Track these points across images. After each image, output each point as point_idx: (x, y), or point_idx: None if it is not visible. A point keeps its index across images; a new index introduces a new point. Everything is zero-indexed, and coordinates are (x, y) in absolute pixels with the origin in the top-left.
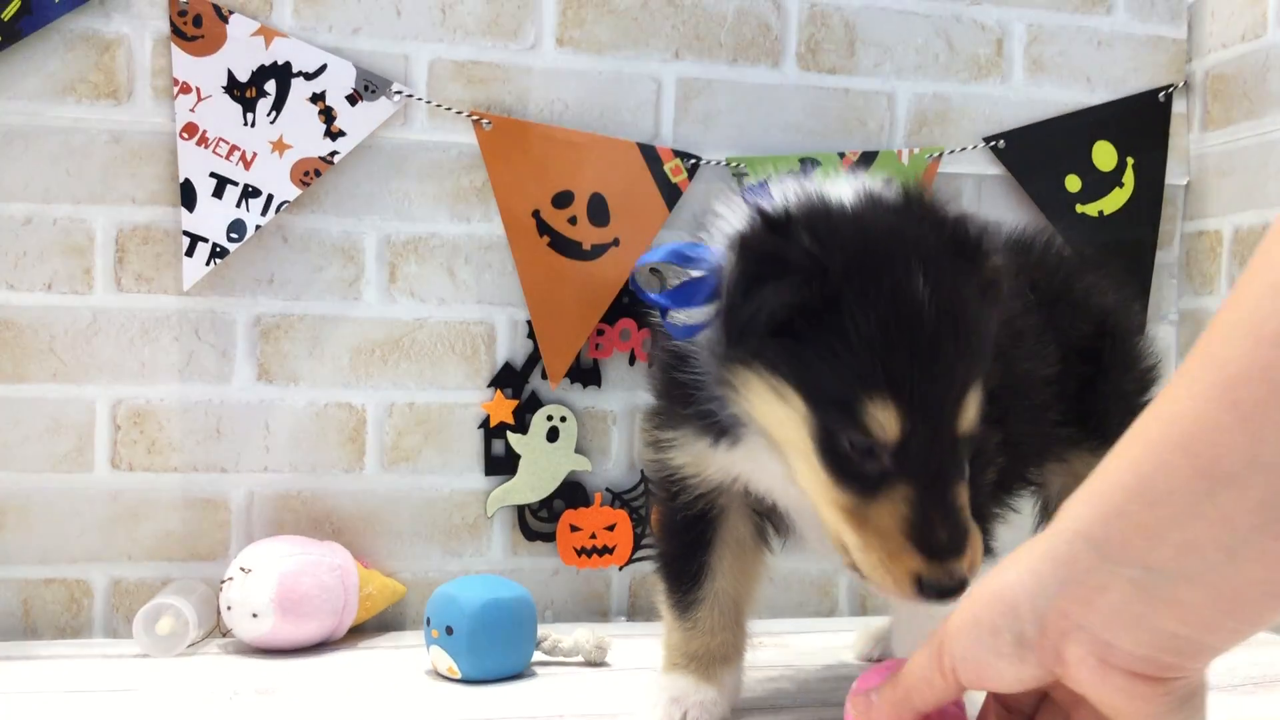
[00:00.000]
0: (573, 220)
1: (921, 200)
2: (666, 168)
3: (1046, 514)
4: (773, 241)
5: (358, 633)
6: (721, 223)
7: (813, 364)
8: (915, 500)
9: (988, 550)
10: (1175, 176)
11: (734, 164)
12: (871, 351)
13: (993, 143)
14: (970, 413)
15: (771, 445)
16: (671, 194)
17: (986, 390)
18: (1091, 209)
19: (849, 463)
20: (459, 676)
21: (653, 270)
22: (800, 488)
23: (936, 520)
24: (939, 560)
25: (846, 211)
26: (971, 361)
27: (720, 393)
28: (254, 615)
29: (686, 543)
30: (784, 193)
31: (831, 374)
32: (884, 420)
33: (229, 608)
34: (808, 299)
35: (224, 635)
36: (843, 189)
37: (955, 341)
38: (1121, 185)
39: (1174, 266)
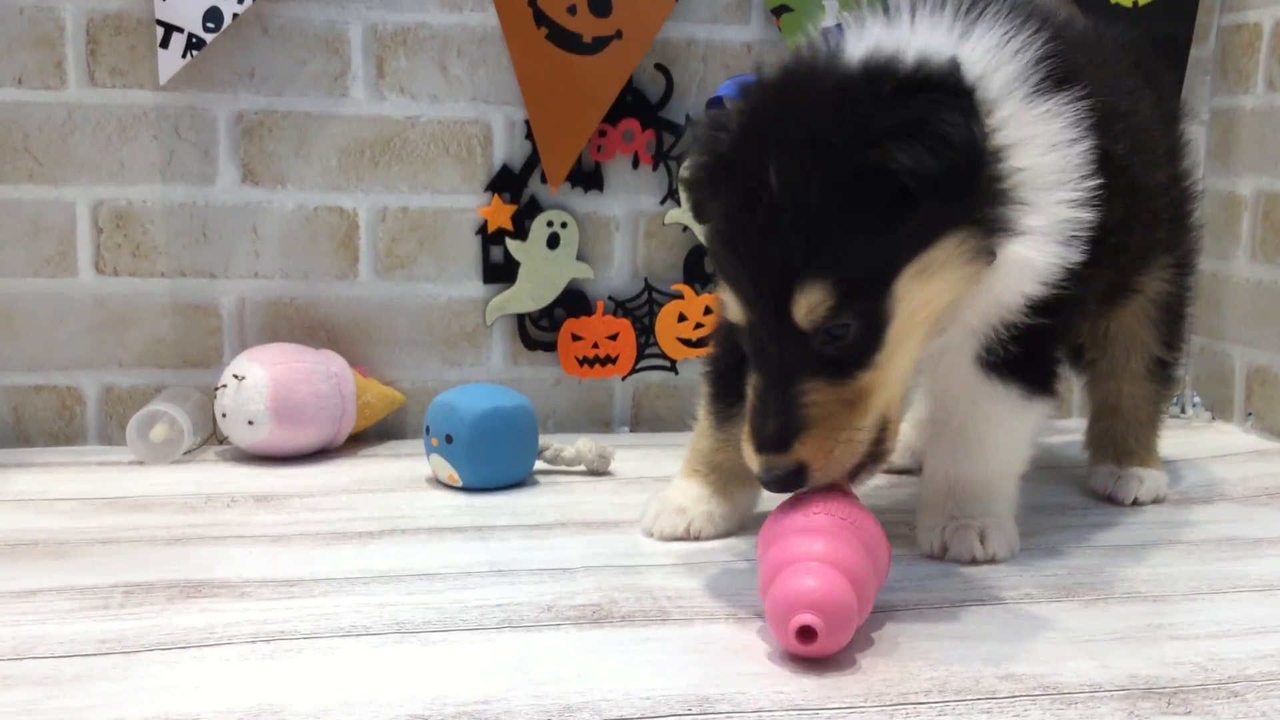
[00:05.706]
0: (572, 10)
1: (838, 73)
2: None
3: (1092, 370)
4: (706, 116)
5: (357, 440)
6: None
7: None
8: (759, 389)
9: (1051, 392)
10: None
11: None
12: (720, 239)
13: None
14: (806, 309)
15: None
16: None
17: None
18: None
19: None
20: (460, 484)
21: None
22: None
23: (770, 413)
24: (761, 453)
25: (777, 86)
26: (815, 257)
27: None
28: (249, 422)
29: (739, 358)
30: (831, 46)
31: (712, 255)
32: (731, 305)
33: (224, 415)
34: (701, 180)
35: (220, 442)
36: (882, 45)
37: (792, 236)
38: None
39: (1208, 62)
